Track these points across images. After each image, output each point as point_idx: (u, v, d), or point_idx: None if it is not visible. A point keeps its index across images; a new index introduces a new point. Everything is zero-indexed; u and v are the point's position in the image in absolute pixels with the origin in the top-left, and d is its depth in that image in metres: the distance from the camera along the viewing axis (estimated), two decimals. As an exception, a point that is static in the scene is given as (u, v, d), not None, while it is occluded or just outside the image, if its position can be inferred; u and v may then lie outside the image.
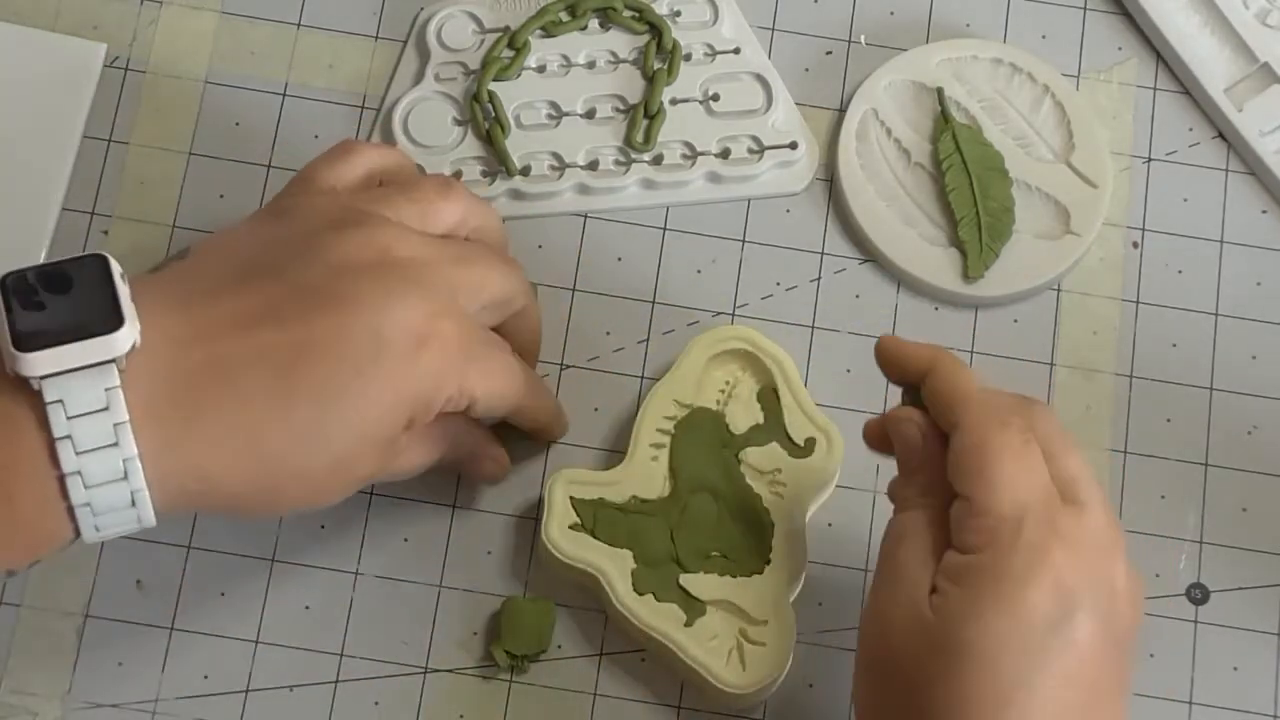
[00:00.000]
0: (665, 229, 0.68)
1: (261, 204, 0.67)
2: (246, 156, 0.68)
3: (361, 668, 0.62)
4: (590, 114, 0.68)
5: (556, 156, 0.68)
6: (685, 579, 0.61)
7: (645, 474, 0.63)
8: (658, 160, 0.68)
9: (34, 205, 0.67)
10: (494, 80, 0.68)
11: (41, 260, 0.66)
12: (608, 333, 0.66)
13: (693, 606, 0.61)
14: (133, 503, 0.49)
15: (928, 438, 0.54)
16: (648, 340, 0.66)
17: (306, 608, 0.63)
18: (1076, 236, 0.67)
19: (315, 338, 0.51)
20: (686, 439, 0.63)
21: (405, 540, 0.63)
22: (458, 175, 0.67)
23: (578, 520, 0.62)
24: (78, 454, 0.48)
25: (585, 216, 0.68)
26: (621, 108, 0.69)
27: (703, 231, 0.68)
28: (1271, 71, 0.69)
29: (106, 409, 0.48)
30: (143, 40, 0.70)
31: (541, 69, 0.69)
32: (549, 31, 0.69)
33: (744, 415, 0.64)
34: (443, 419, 0.56)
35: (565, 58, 0.69)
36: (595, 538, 0.62)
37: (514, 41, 0.69)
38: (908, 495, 0.54)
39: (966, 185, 0.67)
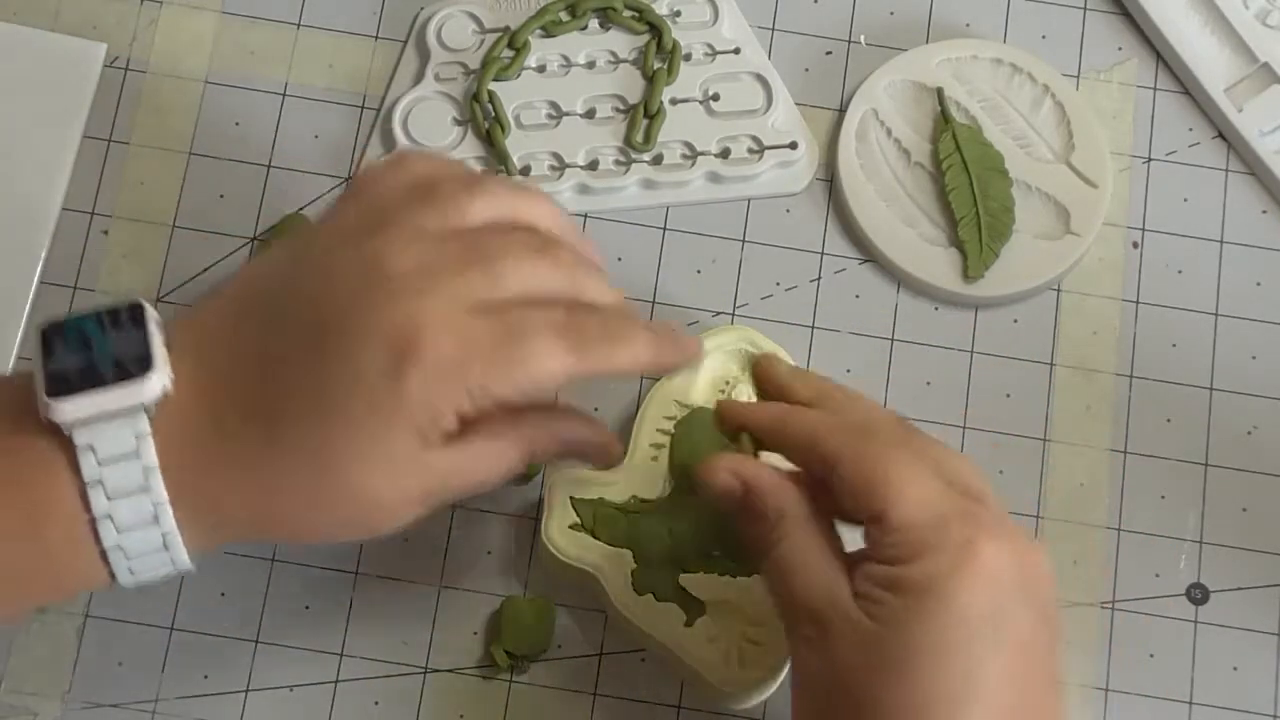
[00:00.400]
0: (665, 229, 0.68)
1: (261, 204, 0.68)
2: (246, 156, 0.68)
3: (361, 668, 0.62)
4: (590, 114, 0.68)
5: (556, 156, 0.68)
6: (685, 579, 0.61)
7: (645, 474, 0.63)
8: (658, 160, 0.68)
9: (34, 205, 0.67)
10: (494, 80, 0.68)
11: (42, 258, 0.66)
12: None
13: (693, 606, 0.61)
14: (165, 545, 0.49)
15: (746, 474, 0.54)
16: (648, 340, 0.66)
17: (306, 608, 0.63)
18: (1076, 236, 0.67)
19: (298, 384, 0.50)
20: (686, 439, 0.63)
21: (405, 540, 0.63)
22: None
23: (577, 520, 0.62)
24: (109, 499, 0.49)
25: (585, 216, 0.68)
26: (621, 108, 0.69)
27: (703, 231, 0.68)
28: (1271, 71, 0.69)
29: (136, 455, 0.49)
30: (143, 40, 0.70)
31: (541, 69, 0.69)
32: (549, 31, 0.69)
33: (744, 415, 0.64)
34: (501, 417, 0.52)
35: (565, 58, 0.69)
36: (595, 538, 0.62)
37: (514, 41, 0.69)
38: (765, 531, 0.54)
39: (966, 185, 0.67)
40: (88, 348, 0.50)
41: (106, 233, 0.67)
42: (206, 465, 0.49)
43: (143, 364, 0.49)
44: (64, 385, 0.49)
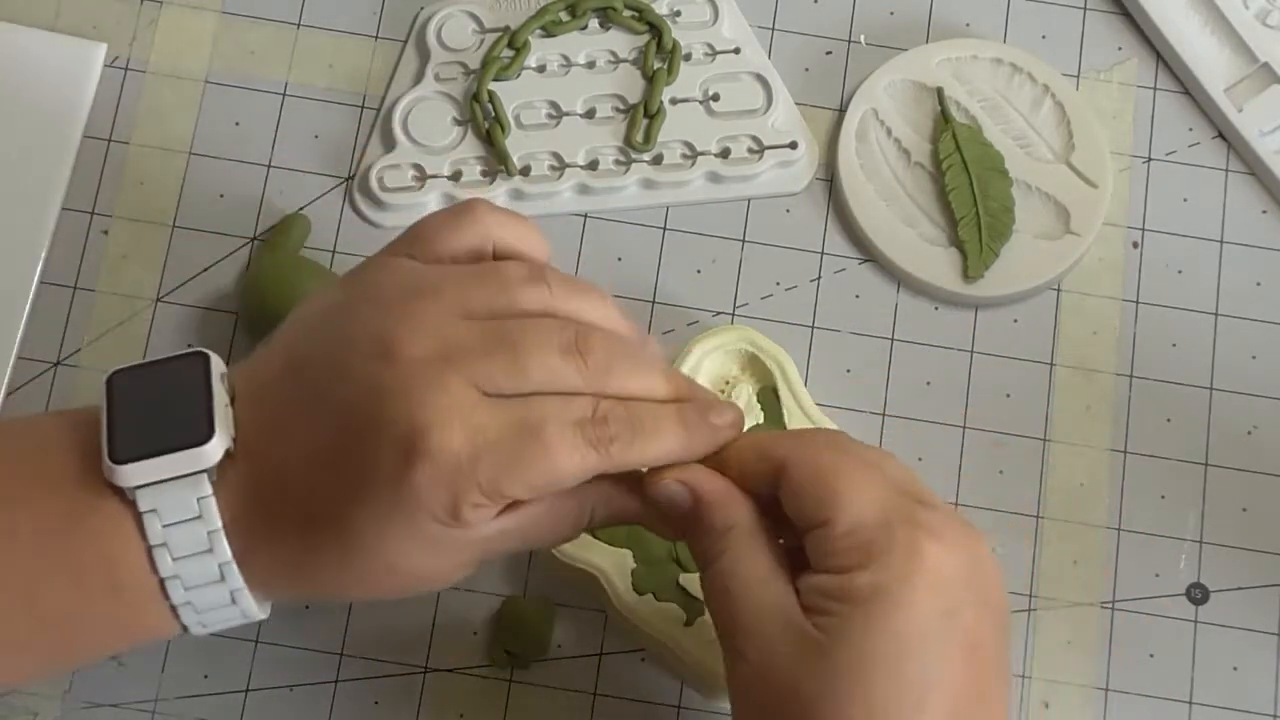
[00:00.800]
0: (665, 229, 0.68)
1: (261, 204, 0.68)
2: (246, 156, 0.68)
3: (361, 668, 0.62)
4: (590, 114, 0.68)
5: (556, 156, 0.68)
6: (685, 579, 0.61)
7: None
8: (658, 160, 0.68)
9: (34, 205, 0.67)
10: (494, 80, 0.68)
11: (42, 258, 0.66)
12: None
13: (693, 606, 0.61)
14: (233, 600, 0.51)
15: (691, 484, 0.52)
16: (648, 340, 0.66)
17: (306, 607, 0.63)
18: (1076, 236, 0.67)
19: (329, 464, 0.50)
20: (686, 439, 0.63)
21: (405, 540, 0.63)
22: (457, 175, 0.67)
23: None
24: (174, 560, 0.49)
25: (585, 216, 0.68)
26: (621, 108, 0.69)
27: (703, 231, 0.68)
28: (1271, 71, 0.69)
29: (200, 517, 0.49)
30: (143, 40, 0.70)
31: (541, 69, 0.69)
32: (549, 31, 0.69)
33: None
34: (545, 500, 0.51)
35: (565, 58, 0.69)
36: (595, 538, 0.62)
37: (514, 41, 0.69)
38: (710, 543, 0.52)
39: (966, 185, 0.67)
40: (153, 406, 0.50)
41: (106, 233, 0.67)
42: (262, 541, 0.50)
43: (204, 427, 0.49)
44: (127, 448, 0.49)
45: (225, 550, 0.49)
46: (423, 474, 0.48)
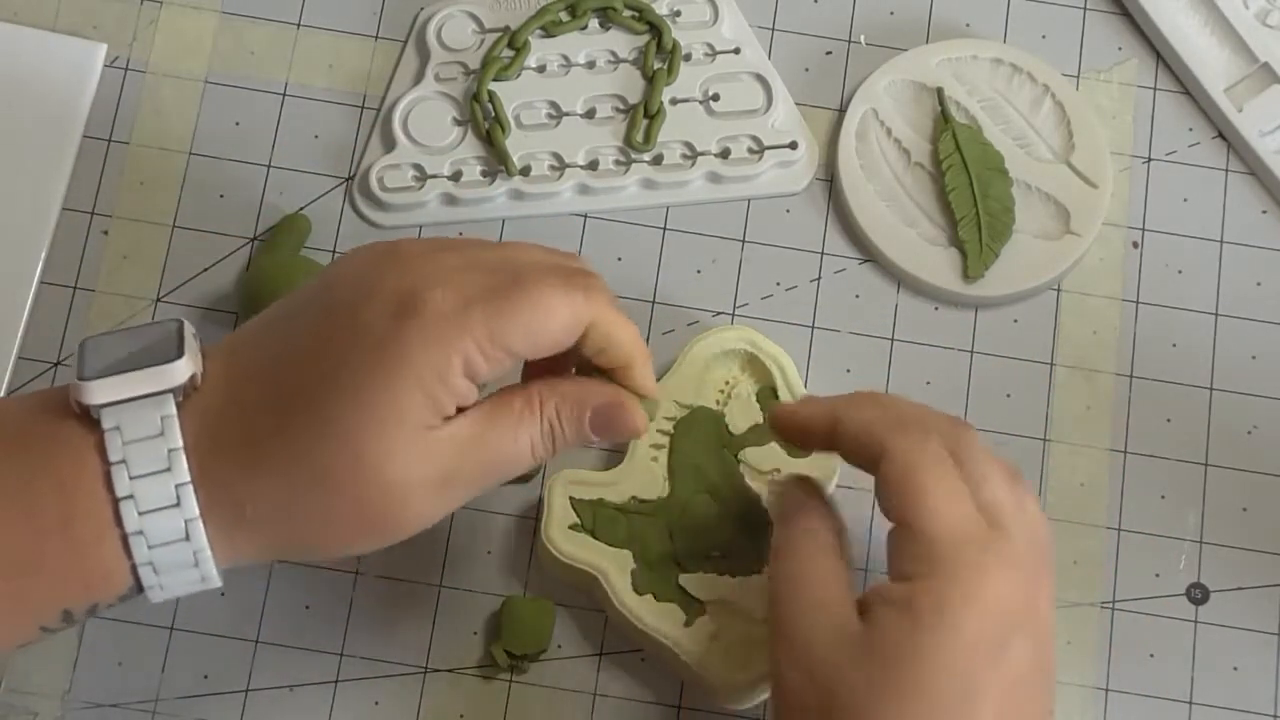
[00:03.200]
0: (665, 229, 0.68)
1: (261, 204, 0.68)
2: (246, 156, 0.68)
3: (361, 668, 0.62)
4: (590, 114, 0.68)
5: (556, 156, 0.68)
6: (685, 579, 0.61)
7: (645, 474, 0.63)
8: (658, 160, 0.68)
9: (34, 205, 0.67)
10: (494, 80, 0.68)
11: (42, 258, 0.66)
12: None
13: (692, 606, 0.61)
14: (187, 535, 0.49)
15: (790, 489, 0.56)
16: (648, 340, 0.66)
17: (306, 607, 0.63)
18: (1076, 236, 0.67)
19: (309, 361, 0.50)
20: (686, 439, 0.63)
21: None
22: (457, 176, 0.67)
23: (577, 520, 0.62)
24: (131, 478, 0.48)
25: (585, 216, 0.68)
26: (621, 108, 0.69)
27: (703, 231, 0.68)
28: (1271, 71, 0.69)
29: (161, 434, 0.49)
30: (143, 40, 0.70)
31: (541, 69, 0.69)
32: (549, 31, 0.69)
33: (744, 415, 0.64)
34: (515, 385, 0.52)
35: (565, 58, 0.69)
36: (595, 538, 0.62)
37: (514, 41, 0.69)
38: (785, 539, 0.55)
39: (966, 185, 0.67)
40: (122, 347, 0.50)
41: (106, 233, 0.67)
42: (229, 462, 0.49)
43: (173, 350, 0.50)
44: (95, 367, 0.49)
45: (184, 470, 0.48)
46: (414, 328, 0.49)
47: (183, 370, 0.49)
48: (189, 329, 0.51)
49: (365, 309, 0.49)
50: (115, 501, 0.48)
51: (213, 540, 0.49)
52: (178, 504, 0.49)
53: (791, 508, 0.56)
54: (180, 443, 0.49)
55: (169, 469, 0.48)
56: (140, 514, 0.48)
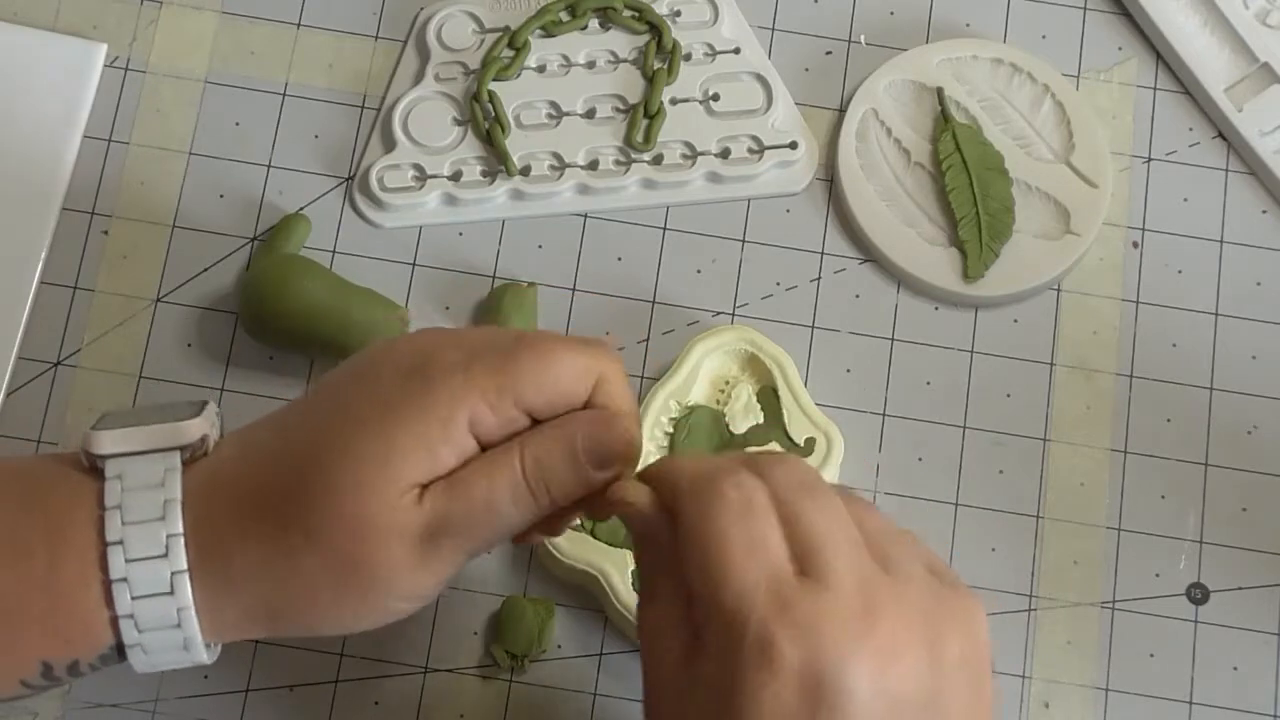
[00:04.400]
0: (665, 229, 0.68)
1: (261, 204, 0.68)
2: (246, 156, 0.68)
3: (361, 668, 0.62)
4: (590, 114, 0.68)
5: (556, 156, 0.68)
6: (685, 579, 0.61)
7: (645, 474, 0.63)
8: (658, 160, 0.68)
9: (34, 205, 0.67)
10: (494, 80, 0.68)
11: (42, 258, 0.66)
12: (608, 333, 0.66)
13: (693, 606, 0.61)
14: (171, 589, 0.48)
15: (647, 515, 0.48)
16: (648, 340, 0.66)
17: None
18: (1076, 236, 0.67)
19: (315, 415, 0.50)
20: (686, 439, 0.63)
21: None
22: (457, 176, 0.67)
23: (577, 520, 0.62)
24: (124, 524, 0.48)
25: (585, 216, 0.68)
26: (621, 108, 0.69)
27: (703, 231, 0.68)
28: (1271, 71, 0.69)
29: (161, 485, 0.48)
30: (143, 40, 0.70)
31: (541, 69, 0.69)
32: (549, 31, 0.69)
33: (744, 415, 0.64)
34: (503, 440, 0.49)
35: (565, 58, 0.69)
36: (595, 538, 0.62)
37: (514, 41, 0.69)
38: (647, 582, 0.49)
39: (966, 185, 0.67)
40: (142, 414, 0.50)
41: (106, 233, 0.67)
42: (223, 518, 0.49)
43: (187, 412, 0.50)
44: (109, 422, 0.50)
45: (177, 521, 0.48)
46: (420, 381, 0.48)
47: (194, 430, 0.49)
48: (213, 406, 0.51)
49: (379, 374, 0.49)
50: (104, 546, 0.48)
51: (198, 603, 0.48)
52: (165, 554, 0.48)
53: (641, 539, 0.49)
54: (179, 494, 0.48)
55: (162, 518, 0.48)
56: (127, 561, 0.48)
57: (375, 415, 0.48)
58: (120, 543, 0.48)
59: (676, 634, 0.46)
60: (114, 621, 0.48)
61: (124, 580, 0.48)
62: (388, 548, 0.48)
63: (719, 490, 0.46)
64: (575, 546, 0.61)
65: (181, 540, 0.48)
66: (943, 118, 0.68)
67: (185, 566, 0.48)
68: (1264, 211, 0.69)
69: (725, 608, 0.44)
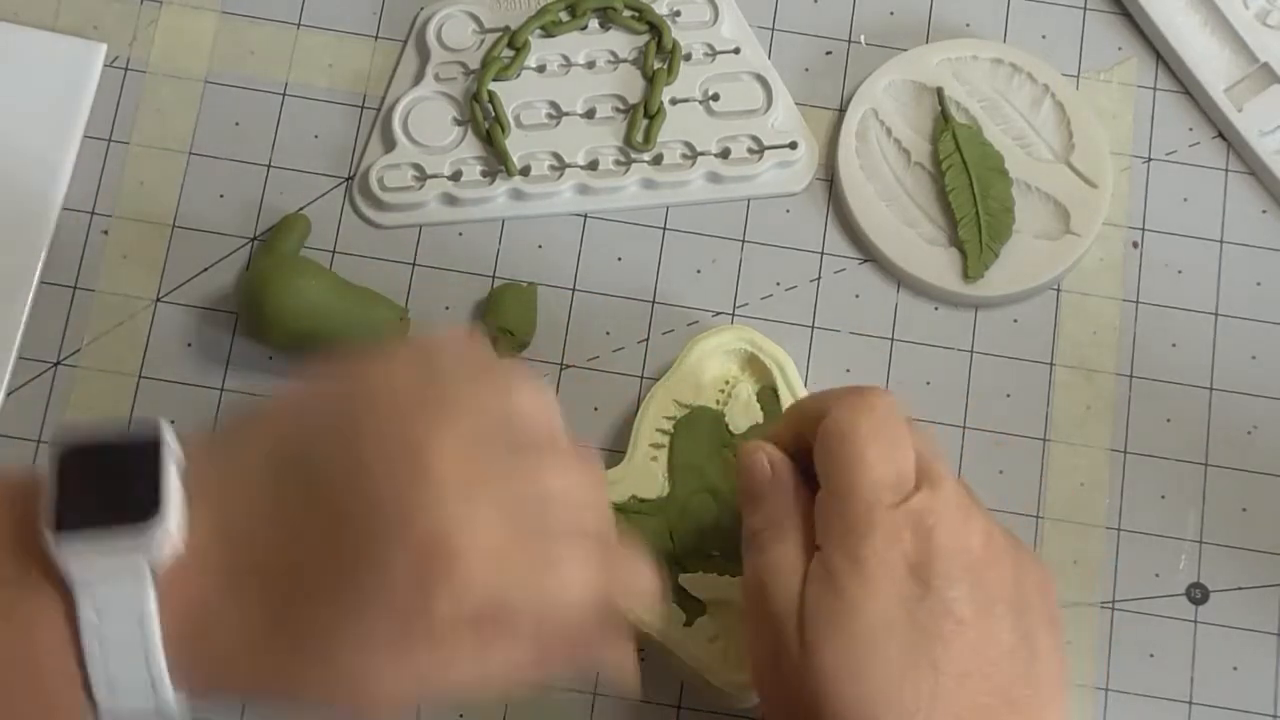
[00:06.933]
0: (665, 229, 0.68)
1: (261, 204, 0.68)
2: (246, 156, 0.68)
3: (361, 668, 0.62)
4: (590, 114, 0.68)
5: (556, 156, 0.68)
6: (685, 579, 0.61)
7: (645, 474, 0.63)
8: (658, 160, 0.68)
9: (34, 205, 0.67)
10: (494, 80, 0.68)
11: (42, 258, 0.66)
12: (608, 333, 0.66)
13: (692, 606, 0.61)
14: (148, 659, 0.46)
15: (776, 466, 0.55)
16: (648, 340, 0.66)
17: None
18: (1076, 236, 0.67)
19: (320, 571, 0.46)
20: (686, 439, 0.63)
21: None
22: (457, 176, 0.67)
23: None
24: (101, 646, 0.45)
25: (585, 216, 0.68)
26: (621, 108, 0.69)
27: (703, 231, 0.68)
28: (1271, 71, 0.69)
29: (133, 601, 0.45)
30: (143, 40, 0.70)
31: (541, 69, 0.69)
32: (549, 31, 0.69)
33: (744, 415, 0.64)
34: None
35: (565, 58, 0.69)
36: (595, 538, 0.62)
37: (514, 41, 0.69)
38: (757, 529, 0.55)
39: (966, 185, 0.67)
40: (101, 479, 0.46)
41: (106, 233, 0.67)
42: (210, 627, 0.46)
43: (151, 510, 0.45)
44: (67, 518, 0.45)
45: (155, 637, 0.45)
46: (445, 601, 0.45)
47: (160, 538, 0.45)
48: (170, 454, 0.46)
49: (390, 561, 0.45)
50: (81, 653, 0.45)
51: (178, 682, 0.46)
52: (143, 646, 0.45)
53: (749, 494, 0.56)
54: (154, 609, 0.45)
55: (142, 640, 0.45)
56: (107, 666, 0.45)
57: (387, 615, 0.46)
58: (101, 654, 0.45)
59: (796, 566, 0.52)
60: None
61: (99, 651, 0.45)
62: (382, 702, 0.47)
63: (869, 401, 0.53)
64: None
65: (160, 650, 0.45)
66: (943, 118, 0.68)
67: (165, 669, 0.46)
68: (1264, 211, 0.69)
69: (857, 496, 0.51)
